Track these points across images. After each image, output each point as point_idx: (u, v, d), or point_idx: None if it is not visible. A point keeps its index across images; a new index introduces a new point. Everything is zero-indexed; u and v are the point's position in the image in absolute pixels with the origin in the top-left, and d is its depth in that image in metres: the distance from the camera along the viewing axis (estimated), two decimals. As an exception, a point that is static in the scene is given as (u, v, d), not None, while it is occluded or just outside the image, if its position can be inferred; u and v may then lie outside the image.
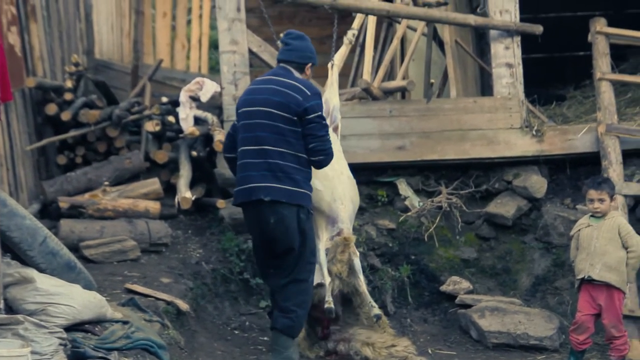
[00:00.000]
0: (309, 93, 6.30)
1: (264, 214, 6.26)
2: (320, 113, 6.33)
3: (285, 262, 6.34)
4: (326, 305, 6.74)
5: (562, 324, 7.54)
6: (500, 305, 7.67)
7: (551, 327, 7.46)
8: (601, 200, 6.52)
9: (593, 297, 6.51)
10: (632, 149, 8.23)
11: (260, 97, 6.35)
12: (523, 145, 8.38)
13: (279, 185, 6.22)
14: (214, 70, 12.31)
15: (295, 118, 6.27)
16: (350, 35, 7.93)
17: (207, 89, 8.61)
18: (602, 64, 8.41)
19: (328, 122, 6.71)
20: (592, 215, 6.59)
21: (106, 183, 8.16)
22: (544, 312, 7.69)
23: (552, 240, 8.22)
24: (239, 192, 6.40)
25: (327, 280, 6.82)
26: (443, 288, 8.01)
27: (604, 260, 6.46)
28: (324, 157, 6.32)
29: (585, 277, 6.50)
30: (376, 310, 6.97)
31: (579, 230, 6.62)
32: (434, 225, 8.23)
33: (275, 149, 6.25)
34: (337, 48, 7.82)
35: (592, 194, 6.53)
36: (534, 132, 8.37)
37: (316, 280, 6.84)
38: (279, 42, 7.55)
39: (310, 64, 6.57)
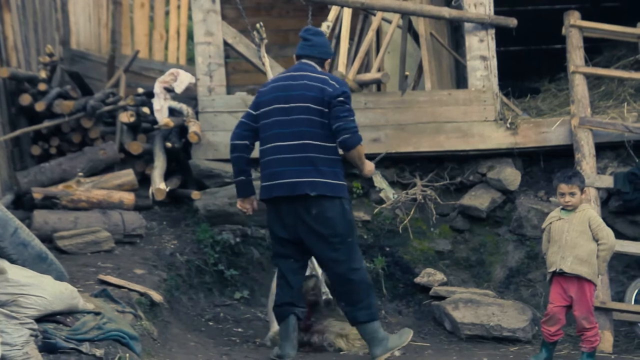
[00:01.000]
0: (337, 85, 6.41)
1: (306, 207, 6.34)
2: (342, 98, 6.36)
3: (335, 254, 6.39)
4: (324, 297, 6.88)
5: (535, 316, 7.58)
6: (474, 297, 7.70)
7: (524, 319, 7.50)
8: (572, 194, 6.53)
9: (564, 288, 6.53)
10: (605, 142, 8.26)
11: (296, 94, 6.41)
12: (497, 138, 8.40)
13: (323, 180, 6.32)
14: (193, 61, 12.26)
15: (327, 110, 6.36)
16: (324, 27, 7.94)
17: (182, 80, 8.58)
18: (576, 57, 8.44)
19: None
20: (563, 209, 6.60)
21: (80, 174, 8.13)
22: (517, 304, 7.72)
23: (525, 232, 8.25)
24: (274, 186, 6.41)
25: (319, 271, 6.87)
26: (417, 280, 8.04)
27: (575, 253, 6.47)
28: (348, 136, 6.31)
29: (557, 270, 6.51)
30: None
31: (550, 223, 6.63)
32: (409, 217, 8.25)
33: (316, 142, 6.34)
34: (313, 40, 7.81)
35: (563, 187, 6.54)
36: (508, 125, 8.39)
37: (307, 272, 6.89)
38: (254, 33, 7.55)
39: (329, 60, 6.70)
